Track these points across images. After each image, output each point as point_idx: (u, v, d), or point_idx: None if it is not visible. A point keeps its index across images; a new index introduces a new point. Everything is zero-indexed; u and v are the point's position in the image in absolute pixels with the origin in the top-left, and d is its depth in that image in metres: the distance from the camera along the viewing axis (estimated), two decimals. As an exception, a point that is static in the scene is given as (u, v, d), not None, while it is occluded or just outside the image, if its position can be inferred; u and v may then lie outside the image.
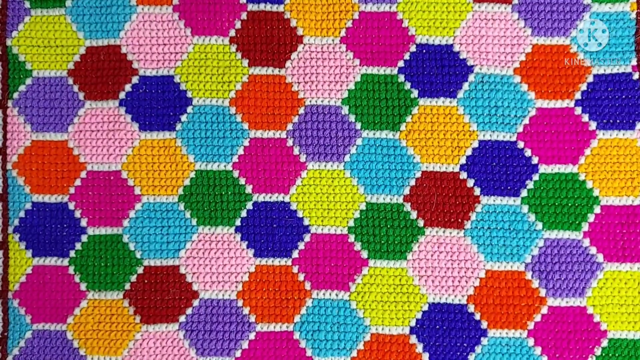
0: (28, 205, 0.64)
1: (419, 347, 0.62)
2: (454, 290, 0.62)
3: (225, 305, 0.63)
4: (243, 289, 0.63)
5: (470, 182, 0.63)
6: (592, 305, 0.62)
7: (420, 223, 0.63)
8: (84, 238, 0.64)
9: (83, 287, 0.63)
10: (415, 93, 0.64)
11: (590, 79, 0.64)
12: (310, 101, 0.65)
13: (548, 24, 0.65)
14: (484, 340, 0.62)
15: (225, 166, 0.64)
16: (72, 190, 0.64)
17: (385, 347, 0.62)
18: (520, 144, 0.64)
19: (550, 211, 0.63)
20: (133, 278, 0.63)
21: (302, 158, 0.64)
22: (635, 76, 0.64)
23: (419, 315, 0.62)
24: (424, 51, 0.65)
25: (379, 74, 0.65)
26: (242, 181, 0.64)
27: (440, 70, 0.65)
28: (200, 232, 0.64)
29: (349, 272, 0.63)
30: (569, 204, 0.63)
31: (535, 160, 0.63)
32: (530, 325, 0.62)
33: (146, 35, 0.66)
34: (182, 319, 0.63)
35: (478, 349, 0.62)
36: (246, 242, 0.64)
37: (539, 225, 0.63)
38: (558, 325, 0.62)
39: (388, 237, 0.63)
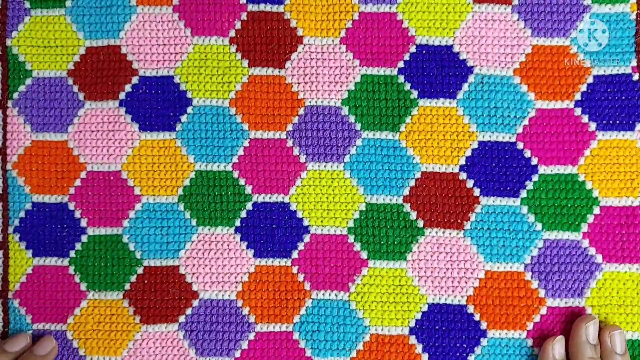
0: (28, 206, 0.64)
1: (419, 348, 0.62)
2: (453, 291, 0.62)
3: (225, 306, 0.63)
4: (243, 289, 0.63)
5: (470, 183, 0.63)
6: (590, 305, 0.62)
7: (420, 224, 0.63)
8: (84, 238, 0.64)
9: (83, 287, 0.63)
10: (415, 94, 0.64)
11: (590, 79, 0.64)
12: (310, 102, 0.65)
13: (548, 25, 0.65)
14: (484, 341, 0.62)
15: (225, 166, 0.64)
16: (72, 190, 0.64)
17: (385, 348, 0.62)
18: (520, 145, 0.64)
19: (549, 212, 0.63)
20: (133, 278, 0.63)
21: (302, 158, 0.64)
22: (635, 77, 0.64)
23: (419, 316, 0.62)
24: (424, 52, 0.65)
25: (379, 74, 0.65)
26: (242, 181, 0.64)
27: (440, 71, 0.65)
28: (200, 233, 0.64)
29: (348, 272, 0.63)
30: (569, 205, 0.63)
31: (534, 161, 0.63)
32: (530, 326, 0.62)
33: (146, 36, 0.66)
34: (182, 319, 0.63)
35: (477, 349, 0.62)
36: (246, 243, 0.64)
37: (539, 226, 0.63)
38: (557, 325, 0.62)
39: (388, 237, 0.63)
